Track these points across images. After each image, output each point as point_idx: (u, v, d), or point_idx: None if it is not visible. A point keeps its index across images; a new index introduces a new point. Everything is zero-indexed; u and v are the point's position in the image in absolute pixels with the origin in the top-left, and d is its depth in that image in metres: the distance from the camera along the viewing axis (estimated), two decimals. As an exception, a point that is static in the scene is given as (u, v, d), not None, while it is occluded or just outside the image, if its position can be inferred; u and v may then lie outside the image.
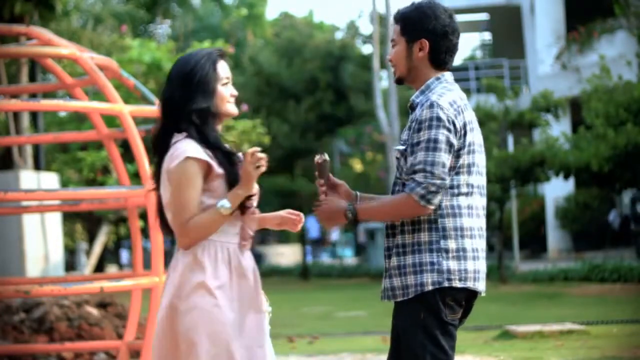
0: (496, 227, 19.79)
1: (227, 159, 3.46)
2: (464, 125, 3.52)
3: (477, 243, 3.55)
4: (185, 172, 3.37)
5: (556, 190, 22.81)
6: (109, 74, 6.70)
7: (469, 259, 3.52)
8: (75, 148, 17.43)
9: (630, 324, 10.48)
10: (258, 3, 36.79)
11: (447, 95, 3.54)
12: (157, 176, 3.51)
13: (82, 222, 23.65)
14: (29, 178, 9.64)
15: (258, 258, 40.04)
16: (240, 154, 3.54)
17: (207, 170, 3.41)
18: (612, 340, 9.19)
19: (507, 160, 17.56)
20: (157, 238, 5.90)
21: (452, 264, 3.49)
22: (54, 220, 9.93)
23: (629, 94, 15.44)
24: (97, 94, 12.25)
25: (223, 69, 3.54)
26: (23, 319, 8.52)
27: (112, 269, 31.43)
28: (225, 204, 3.39)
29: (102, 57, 6.77)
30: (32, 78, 11.93)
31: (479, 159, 3.59)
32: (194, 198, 3.38)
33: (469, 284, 3.51)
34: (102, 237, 16.95)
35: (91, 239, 21.28)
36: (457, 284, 3.49)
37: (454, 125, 3.48)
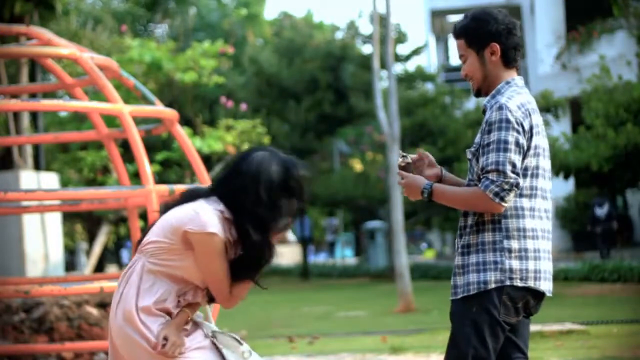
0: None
1: None
2: (531, 128, 3.62)
3: (539, 244, 3.66)
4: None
5: (556, 190, 22.80)
6: (109, 74, 6.70)
7: (530, 259, 3.62)
8: (75, 148, 17.43)
9: (630, 324, 10.49)
10: (257, 3, 36.76)
11: (515, 98, 3.64)
12: None
13: (82, 222, 23.64)
14: (29, 178, 9.64)
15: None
16: None
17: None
18: (612, 340, 9.20)
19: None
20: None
21: (515, 263, 3.59)
22: (54, 220, 9.93)
23: (629, 94, 15.45)
24: (97, 94, 12.26)
25: None
26: (23, 319, 8.52)
27: (112, 269, 31.42)
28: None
29: (102, 57, 6.77)
30: (32, 78, 11.93)
31: (544, 163, 3.70)
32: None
33: (530, 283, 3.61)
34: (102, 237, 16.95)
35: (91, 239, 21.28)
36: (518, 282, 3.59)
37: (522, 127, 3.58)
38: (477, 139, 3.68)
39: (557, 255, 22.54)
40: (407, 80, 26.76)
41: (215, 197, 3.43)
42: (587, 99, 16.41)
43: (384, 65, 18.16)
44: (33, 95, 10.45)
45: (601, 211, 21.11)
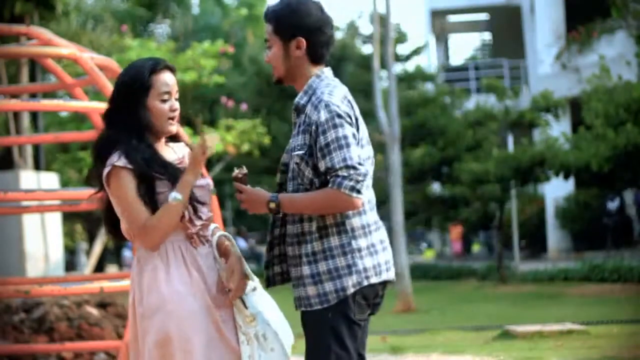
0: (496, 227, 19.78)
1: (164, 167, 3.43)
2: (357, 120, 3.51)
3: (381, 235, 3.54)
4: (118, 181, 3.36)
5: (556, 190, 22.80)
6: (109, 74, 6.70)
7: (379, 252, 3.52)
8: (75, 148, 17.44)
9: (630, 324, 10.48)
10: (258, 3, 36.75)
11: (335, 92, 3.51)
12: (98, 180, 3.48)
13: (82, 222, 23.65)
14: (29, 178, 9.64)
15: (258, 258, 40.01)
16: (184, 159, 3.54)
17: (141, 177, 3.38)
18: (612, 340, 9.19)
19: (507, 160, 17.56)
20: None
21: (367, 262, 3.47)
22: (54, 220, 9.93)
23: (629, 94, 15.44)
24: (97, 94, 12.26)
25: (163, 82, 3.46)
26: (23, 319, 8.52)
27: (112, 269, 31.42)
28: (176, 195, 3.37)
29: (102, 57, 6.77)
30: (32, 78, 11.94)
31: (369, 152, 3.55)
32: (136, 200, 3.36)
33: (384, 277, 3.52)
34: (102, 237, 16.95)
35: (91, 239, 21.28)
36: (373, 279, 3.48)
37: (351, 118, 3.47)
38: (300, 140, 3.49)
39: (557, 255, 22.54)
40: (407, 80, 26.75)
41: None
42: (587, 99, 16.39)
43: (384, 65, 18.17)
44: (33, 95, 10.46)
45: (613, 205, 21.23)
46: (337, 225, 3.45)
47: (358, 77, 25.99)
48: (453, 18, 34.35)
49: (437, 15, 31.85)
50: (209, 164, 16.63)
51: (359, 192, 3.37)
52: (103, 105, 6.38)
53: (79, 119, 17.21)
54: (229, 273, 3.46)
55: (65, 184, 16.18)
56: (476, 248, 33.17)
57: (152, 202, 3.39)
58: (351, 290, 3.44)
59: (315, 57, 3.59)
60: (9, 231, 9.46)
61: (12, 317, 8.49)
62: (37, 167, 11.15)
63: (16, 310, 8.59)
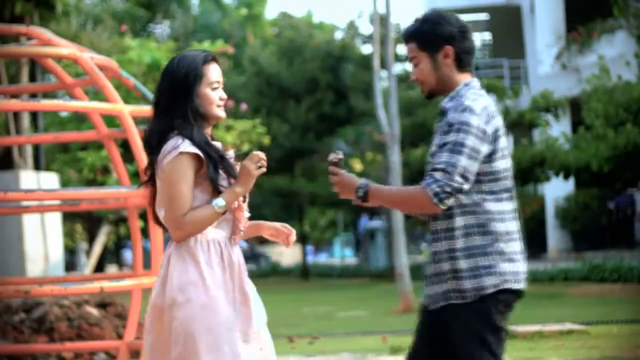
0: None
1: (218, 157, 3.50)
2: (496, 131, 3.55)
3: (519, 245, 3.66)
4: (178, 166, 3.42)
5: (556, 190, 22.81)
6: (109, 74, 6.70)
7: (518, 261, 3.62)
8: (75, 148, 17.42)
9: (630, 324, 10.48)
10: (257, 3, 36.77)
11: (479, 100, 3.57)
12: (151, 173, 3.58)
13: (82, 222, 23.66)
14: (29, 178, 9.64)
15: (258, 258, 40.05)
16: (231, 153, 3.59)
17: (199, 165, 3.45)
18: (612, 340, 9.19)
19: (507, 160, 17.55)
20: (157, 238, 5.90)
21: (507, 266, 3.56)
22: (54, 220, 9.93)
23: (629, 94, 15.44)
24: (97, 94, 12.26)
25: (213, 72, 3.58)
26: (23, 319, 8.52)
27: (112, 269, 31.42)
28: (220, 202, 3.44)
29: (102, 57, 6.77)
30: (32, 78, 11.93)
31: (509, 164, 3.63)
32: (187, 192, 3.43)
33: (521, 286, 3.62)
34: (102, 237, 16.96)
35: (91, 239, 21.29)
36: (512, 285, 3.58)
37: (484, 132, 3.50)
38: (437, 140, 3.60)
39: (557, 255, 22.54)
40: (407, 80, 26.73)
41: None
42: (587, 99, 16.39)
43: (384, 65, 18.16)
44: (33, 95, 10.46)
45: (614, 204, 21.27)
46: (480, 227, 3.53)
47: (358, 77, 25.99)
48: (453, 18, 34.30)
49: (437, 16, 31.74)
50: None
51: (441, 200, 3.42)
52: (103, 105, 6.40)
53: (79, 119, 17.20)
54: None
55: (65, 184, 16.17)
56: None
57: (215, 186, 3.45)
58: (490, 290, 3.51)
59: (462, 64, 3.67)
60: (9, 231, 9.45)
61: (12, 317, 8.49)
62: (37, 167, 11.14)
63: (16, 310, 8.59)
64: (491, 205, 3.54)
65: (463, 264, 3.52)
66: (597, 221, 21.97)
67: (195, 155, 3.43)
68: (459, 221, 3.53)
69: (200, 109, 3.51)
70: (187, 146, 3.42)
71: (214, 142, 3.56)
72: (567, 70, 23.01)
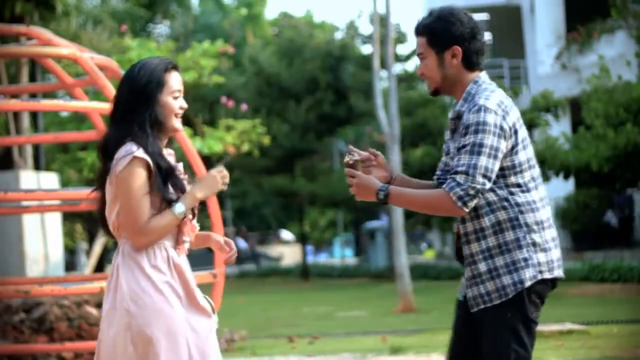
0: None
1: (168, 169, 3.47)
2: (514, 124, 3.55)
3: (553, 232, 3.64)
4: (134, 171, 3.38)
5: (556, 190, 22.78)
6: (109, 74, 6.70)
7: (552, 249, 3.61)
8: (75, 148, 17.43)
9: (630, 324, 10.49)
10: (257, 3, 36.78)
11: (492, 97, 3.56)
12: (102, 179, 3.51)
13: (82, 222, 23.65)
14: (29, 178, 9.63)
15: (258, 258, 40.01)
16: (180, 167, 3.58)
17: (148, 174, 3.42)
18: (612, 340, 9.20)
19: (507, 160, 17.53)
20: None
21: (541, 256, 3.56)
22: (54, 220, 9.92)
23: (629, 94, 15.45)
24: (97, 94, 12.26)
25: (174, 80, 3.54)
26: (23, 319, 8.52)
27: (112, 269, 31.27)
28: (179, 208, 3.43)
29: (102, 57, 6.78)
30: (32, 78, 11.93)
31: (532, 153, 3.63)
32: (146, 198, 3.40)
33: (555, 273, 3.62)
34: (102, 237, 16.94)
35: (91, 239, 21.28)
36: (547, 275, 3.57)
37: (502, 128, 3.50)
38: (455, 143, 3.58)
39: (557, 255, 22.54)
40: (407, 80, 26.77)
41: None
42: (587, 99, 16.40)
43: (384, 65, 18.17)
44: (33, 95, 10.45)
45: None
46: (510, 221, 3.52)
47: (358, 77, 26.00)
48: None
49: (437, 15, 31.77)
50: (210, 164, 16.61)
51: (465, 203, 3.44)
52: (103, 105, 6.40)
53: (79, 119, 17.20)
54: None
55: (65, 184, 16.17)
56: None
57: (164, 197, 3.42)
58: (528, 283, 3.52)
59: (471, 64, 3.66)
60: (9, 231, 9.45)
61: (12, 317, 8.49)
62: (37, 167, 11.14)
63: (16, 310, 8.59)
64: (519, 198, 3.54)
65: (499, 261, 3.53)
66: (597, 221, 21.97)
67: (146, 164, 3.39)
68: (489, 219, 3.53)
69: (160, 118, 3.48)
70: (140, 153, 3.39)
71: (168, 154, 3.55)
72: (567, 70, 23.01)
